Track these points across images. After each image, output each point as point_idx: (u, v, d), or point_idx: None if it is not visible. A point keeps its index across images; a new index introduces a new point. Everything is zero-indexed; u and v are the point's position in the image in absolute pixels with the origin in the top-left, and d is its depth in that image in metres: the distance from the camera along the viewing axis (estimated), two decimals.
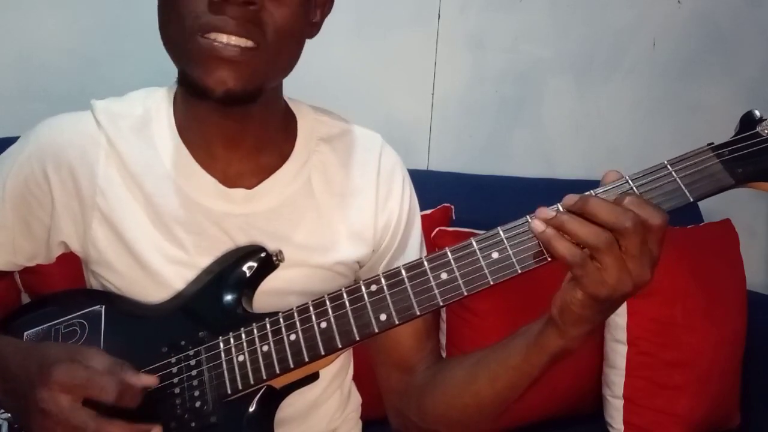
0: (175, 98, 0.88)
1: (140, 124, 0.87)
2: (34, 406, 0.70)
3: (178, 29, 0.75)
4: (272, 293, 0.85)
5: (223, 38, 0.74)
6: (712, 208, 1.86)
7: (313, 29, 0.85)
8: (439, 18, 1.81)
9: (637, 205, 0.65)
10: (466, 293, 0.70)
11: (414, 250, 0.95)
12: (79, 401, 0.69)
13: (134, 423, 0.71)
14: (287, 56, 0.81)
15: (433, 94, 1.84)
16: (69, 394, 0.69)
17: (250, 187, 0.86)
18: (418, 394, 0.89)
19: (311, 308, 0.76)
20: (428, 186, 1.62)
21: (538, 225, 0.67)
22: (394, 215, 0.93)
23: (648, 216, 0.65)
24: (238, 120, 0.83)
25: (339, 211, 0.90)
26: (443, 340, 1.56)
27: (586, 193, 0.68)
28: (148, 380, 0.75)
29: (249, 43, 0.75)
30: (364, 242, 0.92)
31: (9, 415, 0.81)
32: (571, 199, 0.68)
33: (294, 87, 0.91)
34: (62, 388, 0.69)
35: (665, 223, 0.65)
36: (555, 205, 0.69)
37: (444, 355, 1.49)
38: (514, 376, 0.77)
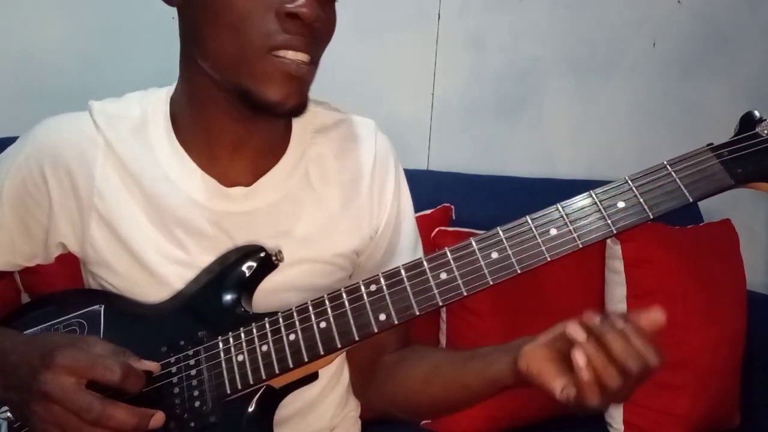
0: (171, 99, 0.88)
1: (138, 126, 0.87)
2: (36, 393, 0.69)
3: (241, 47, 0.75)
4: (272, 290, 0.85)
5: (290, 54, 0.75)
6: (712, 208, 1.86)
7: None
8: (439, 18, 1.81)
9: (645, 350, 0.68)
10: (465, 293, 0.71)
11: (409, 235, 0.96)
12: (83, 384, 0.69)
13: (139, 407, 0.71)
14: None
15: (433, 94, 1.84)
16: (73, 376, 0.69)
17: (247, 185, 0.86)
18: (381, 379, 0.93)
19: (310, 308, 0.76)
20: (428, 186, 1.63)
21: (580, 359, 0.69)
22: (388, 201, 0.94)
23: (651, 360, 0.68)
24: (249, 125, 0.83)
25: (337, 202, 0.91)
26: (443, 340, 1.56)
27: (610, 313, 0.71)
28: (151, 365, 0.75)
29: (309, 59, 0.77)
30: (361, 230, 0.92)
31: (9, 414, 0.81)
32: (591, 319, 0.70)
33: None
34: (66, 371, 0.69)
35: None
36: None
37: None
38: (466, 393, 0.83)
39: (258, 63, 0.75)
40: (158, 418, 0.72)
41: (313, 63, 0.78)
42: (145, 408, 0.71)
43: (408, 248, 0.95)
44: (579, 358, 0.68)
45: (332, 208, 0.90)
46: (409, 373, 0.90)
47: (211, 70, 0.79)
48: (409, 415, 0.94)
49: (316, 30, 0.76)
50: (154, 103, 0.88)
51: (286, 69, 0.75)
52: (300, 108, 0.79)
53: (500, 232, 0.70)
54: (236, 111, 0.81)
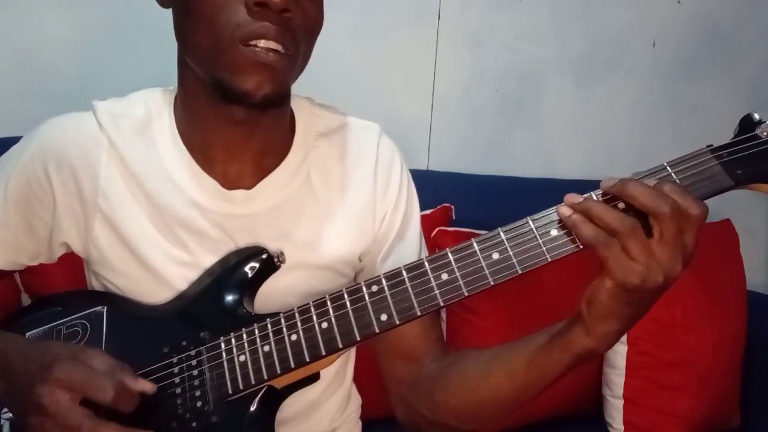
0: (175, 100, 0.88)
1: (142, 125, 0.87)
2: (33, 402, 0.70)
3: (214, 38, 0.76)
4: (273, 294, 0.85)
5: (261, 43, 0.75)
6: (712, 208, 1.83)
7: None
8: (439, 18, 1.81)
9: (678, 193, 0.65)
10: (466, 293, 0.71)
11: (413, 239, 0.95)
12: (77, 400, 0.70)
13: (129, 427, 0.71)
14: (307, 59, 0.83)
15: (433, 94, 1.84)
16: (68, 392, 0.69)
17: (249, 188, 0.86)
18: (429, 387, 0.87)
19: (312, 308, 0.76)
20: (428, 186, 1.62)
21: (565, 210, 0.68)
22: (391, 204, 0.93)
23: (688, 205, 0.65)
24: (247, 127, 0.83)
25: (340, 206, 0.90)
26: None
27: (625, 177, 0.68)
28: (146, 386, 0.75)
29: (283, 50, 0.76)
30: (364, 234, 0.92)
31: (11, 414, 0.81)
32: (610, 181, 0.68)
33: (293, 87, 0.91)
34: (62, 386, 0.69)
35: (704, 214, 0.65)
36: (588, 193, 0.69)
37: None
38: (535, 372, 0.75)
39: (229, 53, 0.75)
40: None
41: (289, 54, 0.77)
42: (136, 428, 0.72)
43: (411, 252, 0.94)
44: (561, 209, 0.67)
45: (334, 212, 0.90)
46: (464, 371, 0.83)
47: (193, 64, 0.80)
48: (470, 420, 0.85)
49: (289, 21, 0.76)
50: (159, 103, 0.88)
51: (255, 57, 0.75)
52: (275, 97, 0.78)
53: (501, 233, 0.71)
54: (225, 112, 0.81)
